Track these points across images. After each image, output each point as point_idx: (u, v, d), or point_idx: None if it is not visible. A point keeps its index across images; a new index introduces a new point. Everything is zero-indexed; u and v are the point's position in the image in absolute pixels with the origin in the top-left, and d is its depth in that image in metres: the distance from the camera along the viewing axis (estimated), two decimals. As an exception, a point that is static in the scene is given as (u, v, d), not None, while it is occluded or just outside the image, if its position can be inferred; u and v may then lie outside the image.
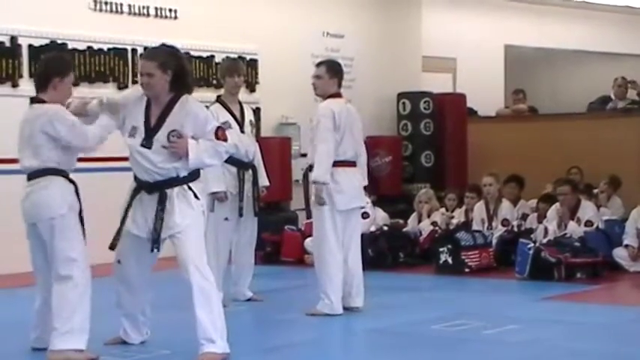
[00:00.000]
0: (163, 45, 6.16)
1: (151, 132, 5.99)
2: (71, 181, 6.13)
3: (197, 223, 6.01)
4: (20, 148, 6.16)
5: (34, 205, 6.05)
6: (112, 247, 6.12)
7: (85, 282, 6.04)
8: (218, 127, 6.08)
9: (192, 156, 5.94)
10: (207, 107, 8.22)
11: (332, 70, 7.76)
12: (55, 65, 6.27)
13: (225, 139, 6.06)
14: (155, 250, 6.05)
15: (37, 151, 6.03)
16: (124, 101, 6.18)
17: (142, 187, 6.06)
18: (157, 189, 5.99)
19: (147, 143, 5.97)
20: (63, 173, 6.09)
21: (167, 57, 5.99)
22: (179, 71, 6.00)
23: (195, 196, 6.02)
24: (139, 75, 6.14)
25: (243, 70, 8.74)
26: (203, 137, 6.00)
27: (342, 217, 7.61)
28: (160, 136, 5.96)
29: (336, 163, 7.56)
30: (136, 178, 6.12)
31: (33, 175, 6.08)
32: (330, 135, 7.51)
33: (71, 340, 5.92)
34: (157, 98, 6.01)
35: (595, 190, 11.56)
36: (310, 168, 7.78)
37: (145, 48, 11.50)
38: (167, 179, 5.99)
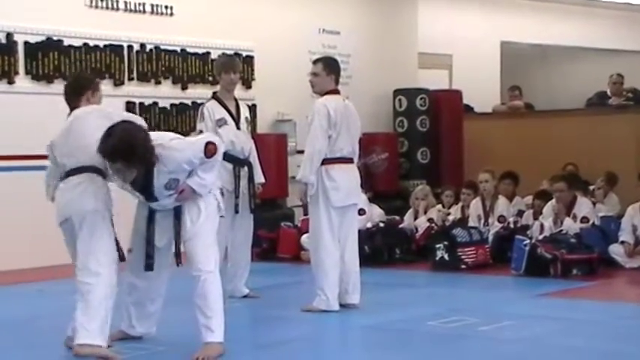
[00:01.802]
0: (110, 135, 5.73)
1: (148, 196, 5.97)
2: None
3: (207, 223, 6.04)
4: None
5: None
6: (149, 267, 6.16)
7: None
8: (205, 147, 5.90)
9: (203, 190, 5.97)
10: (202, 104, 8.34)
11: (329, 66, 7.73)
12: (88, 79, 6.57)
13: (216, 151, 5.94)
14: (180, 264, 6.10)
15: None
16: None
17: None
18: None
19: (151, 199, 5.99)
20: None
21: (129, 157, 5.71)
22: (140, 159, 5.75)
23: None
24: (112, 173, 5.91)
25: (239, 66, 8.73)
26: (199, 165, 5.92)
27: (337, 213, 7.59)
28: (158, 190, 5.91)
29: (332, 160, 7.54)
30: None
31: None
32: (320, 133, 7.47)
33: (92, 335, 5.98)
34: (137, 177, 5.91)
35: (591, 187, 11.56)
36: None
37: (142, 45, 11.61)
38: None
